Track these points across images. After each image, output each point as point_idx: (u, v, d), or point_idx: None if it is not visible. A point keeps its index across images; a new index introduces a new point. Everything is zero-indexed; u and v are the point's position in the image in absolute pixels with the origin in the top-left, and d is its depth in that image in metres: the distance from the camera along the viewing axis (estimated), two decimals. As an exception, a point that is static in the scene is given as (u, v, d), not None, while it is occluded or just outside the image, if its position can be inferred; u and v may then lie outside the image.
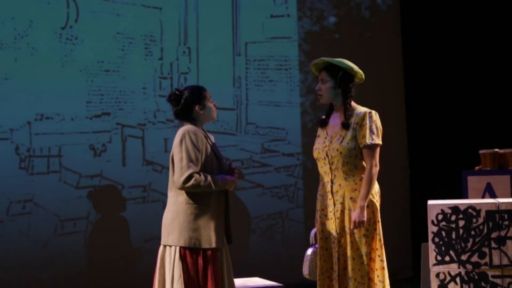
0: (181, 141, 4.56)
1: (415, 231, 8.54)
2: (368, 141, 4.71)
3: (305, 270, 4.94)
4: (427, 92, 8.88)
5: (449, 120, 8.78)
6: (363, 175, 4.72)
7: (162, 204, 7.42)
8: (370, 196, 4.69)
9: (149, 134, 7.76)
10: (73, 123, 7.48)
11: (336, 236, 4.74)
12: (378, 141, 4.74)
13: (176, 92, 4.72)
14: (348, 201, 4.72)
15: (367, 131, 4.72)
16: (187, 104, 4.68)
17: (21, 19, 7.35)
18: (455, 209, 4.98)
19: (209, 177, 4.52)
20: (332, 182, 4.78)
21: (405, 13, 8.97)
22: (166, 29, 7.91)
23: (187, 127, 4.64)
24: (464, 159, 7.58)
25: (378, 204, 4.76)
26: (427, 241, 5.08)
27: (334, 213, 4.75)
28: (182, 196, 4.56)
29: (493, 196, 6.41)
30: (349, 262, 4.68)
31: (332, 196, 4.77)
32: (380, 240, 4.73)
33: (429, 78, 8.88)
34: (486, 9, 8.78)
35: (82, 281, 7.39)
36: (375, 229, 4.71)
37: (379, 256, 4.71)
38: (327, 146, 4.80)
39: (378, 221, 4.74)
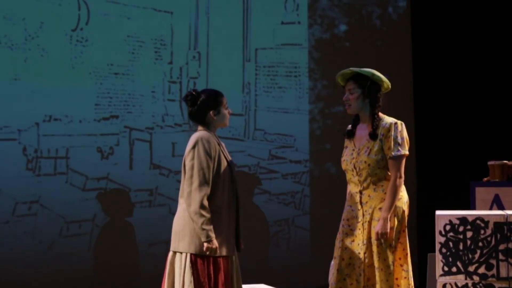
0: (193, 147, 4.53)
1: (422, 241, 8.50)
2: (393, 152, 4.74)
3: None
4: (436, 102, 8.85)
5: (458, 131, 8.76)
6: None
7: (168, 208, 7.41)
8: (400, 205, 4.71)
9: (157, 138, 7.75)
10: (81, 125, 7.47)
11: (362, 247, 4.74)
12: (404, 151, 4.76)
13: (193, 93, 4.68)
14: (377, 211, 4.73)
15: (392, 142, 4.74)
16: (202, 107, 4.65)
17: (32, 20, 7.35)
18: (463, 220, 4.95)
19: (210, 227, 4.46)
20: (361, 193, 4.79)
21: (416, 23, 8.95)
22: (177, 33, 7.91)
23: (201, 133, 4.60)
24: (473, 170, 7.56)
25: (406, 214, 4.78)
26: (433, 251, 5.05)
27: (362, 224, 4.77)
28: None
29: (501, 207, 6.38)
30: (377, 273, 4.68)
31: (361, 206, 4.78)
32: (404, 249, 4.75)
33: (439, 88, 8.85)
34: (497, 22, 8.75)
35: (86, 284, 7.37)
36: (399, 239, 4.73)
37: (401, 265, 4.73)
38: (354, 158, 4.81)
39: (404, 231, 4.77)
